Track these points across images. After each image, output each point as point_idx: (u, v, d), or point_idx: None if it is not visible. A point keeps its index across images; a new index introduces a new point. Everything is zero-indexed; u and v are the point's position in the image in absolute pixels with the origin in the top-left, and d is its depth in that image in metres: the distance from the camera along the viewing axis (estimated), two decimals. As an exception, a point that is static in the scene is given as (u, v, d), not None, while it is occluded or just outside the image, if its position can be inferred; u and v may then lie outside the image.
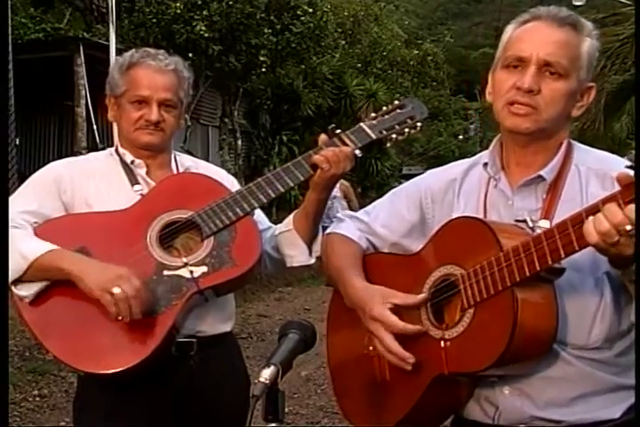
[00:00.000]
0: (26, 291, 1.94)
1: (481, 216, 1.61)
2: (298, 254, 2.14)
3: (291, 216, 2.16)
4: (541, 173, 1.58)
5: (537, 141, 1.60)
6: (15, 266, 1.90)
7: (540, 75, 1.53)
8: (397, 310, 1.60)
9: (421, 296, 1.59)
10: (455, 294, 1.54)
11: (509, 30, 1.62)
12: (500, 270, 1.44)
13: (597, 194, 1.50)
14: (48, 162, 2.22)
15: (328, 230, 1.91)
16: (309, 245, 2.13)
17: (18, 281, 1.93)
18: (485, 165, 1.68)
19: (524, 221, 1.55)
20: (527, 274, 1.41)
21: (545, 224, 1.53)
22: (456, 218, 1.62)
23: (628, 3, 12.19)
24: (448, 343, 1.52)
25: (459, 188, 1.72)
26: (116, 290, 1.86)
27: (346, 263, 1.77)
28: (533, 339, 1.43)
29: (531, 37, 1.56)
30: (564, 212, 1.51)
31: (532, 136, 1.58)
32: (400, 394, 1.63)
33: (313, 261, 2.16)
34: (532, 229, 1.53)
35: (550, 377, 1.52)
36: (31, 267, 1.91)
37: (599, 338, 1.52)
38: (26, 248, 1.92)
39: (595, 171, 1.57)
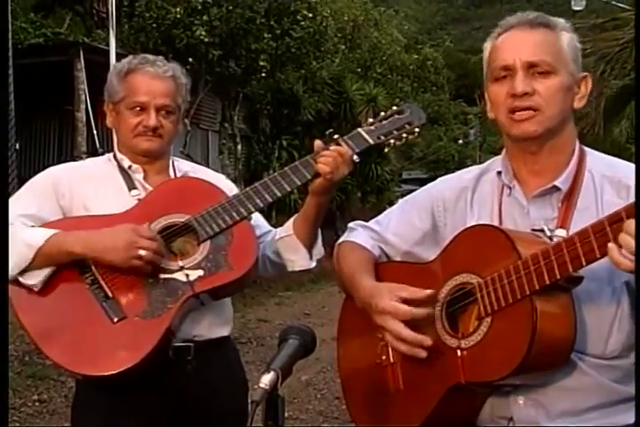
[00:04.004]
0: (33, 279, 1.95)
1: (496, 224, 1.60)
2: (299, 259, 2.15)
3: (290, 221, 2.16)
4: (556, 183, 1.58)
5: (546, 143, 1.59)
6: (21, 256, 1.91)
7: (529, 77, 1.55)
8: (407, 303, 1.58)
9: (429, 291, 1.58)
10: (471, 303, 1.53)
11: (488, 46, 1.64)
12: (518, 279, 1.43)
13: (612, 202, 1.51)
14: (48, 166, 2.22)
15: (340, 239, 1.90)
16: (310, 249, 2.14)
17: (23, 271, 1.93)
18: (499, 173, 1.67)
19: (542, 230, 1.53)
20: (547, 282, 1.40)
21: (562, 233, 1.52)
22: (472, 226, 1.61)
23: (628, 8, 12.19)
24: (464, 352, 1.51)
25: (471, 195, 1.71)
26: (142, 252, 1.91)
27: (357, 268, 1.76)
28: (552, 348, 1.42)
29: (509, 45, 1.59)
30: (579, 221, 1.50)
31: (540, 139, 1.58)
32: (414, 404, 1.62)
33: (314, 264, 2.17)
34: (550, 238, 1.52)
35: (566, 387, 1.51)
36: (38, 254, 1.92)
37: (616, 347, 1.51)
38: (29, 237, 1.93)
39: (609, 178, 1.57)
